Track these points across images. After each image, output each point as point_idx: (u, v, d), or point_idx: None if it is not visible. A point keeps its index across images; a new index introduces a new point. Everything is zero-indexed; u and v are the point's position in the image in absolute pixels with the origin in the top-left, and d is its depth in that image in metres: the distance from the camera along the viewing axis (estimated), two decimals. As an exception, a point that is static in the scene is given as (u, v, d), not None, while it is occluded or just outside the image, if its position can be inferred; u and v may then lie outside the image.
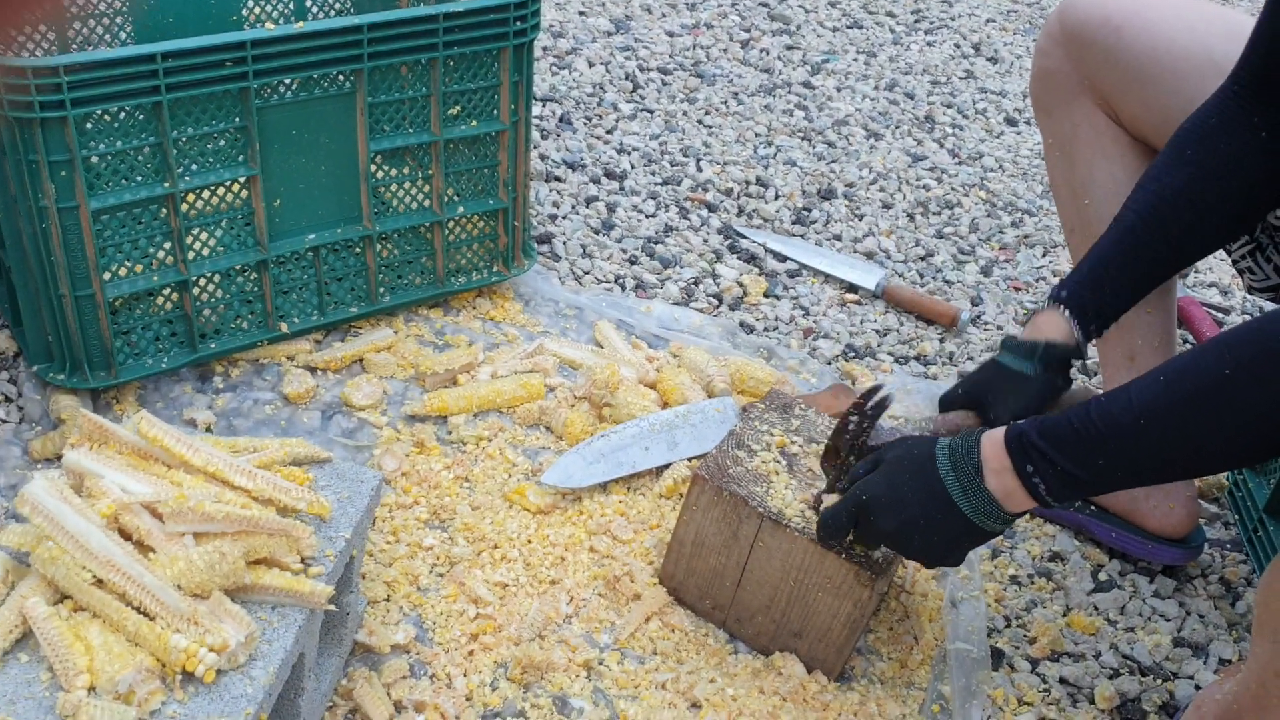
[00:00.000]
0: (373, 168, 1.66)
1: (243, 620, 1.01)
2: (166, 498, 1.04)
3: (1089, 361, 2.01)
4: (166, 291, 1.57)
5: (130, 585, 0.99)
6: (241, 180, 1.55)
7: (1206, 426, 1.01)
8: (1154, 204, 1.26)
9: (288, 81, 1.55)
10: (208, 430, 1.56)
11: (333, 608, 1.11)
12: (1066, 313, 1.28)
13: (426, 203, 1.74)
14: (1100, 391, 1.24)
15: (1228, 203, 1.25)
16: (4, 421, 1.52)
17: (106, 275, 1.49)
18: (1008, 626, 1.53)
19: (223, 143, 1.52)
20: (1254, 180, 1.24)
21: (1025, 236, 2.39)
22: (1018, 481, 1.10)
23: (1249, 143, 1.23)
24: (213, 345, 1.62)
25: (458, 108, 1.70)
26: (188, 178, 1.50)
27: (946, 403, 1.37)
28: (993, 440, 1.12)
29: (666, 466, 1.62)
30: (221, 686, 0.99)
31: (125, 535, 1.04)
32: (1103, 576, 1.61)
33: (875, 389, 1.28)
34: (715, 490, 1.36)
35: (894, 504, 1.17)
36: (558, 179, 2.28)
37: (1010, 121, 2.87)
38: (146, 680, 0.95)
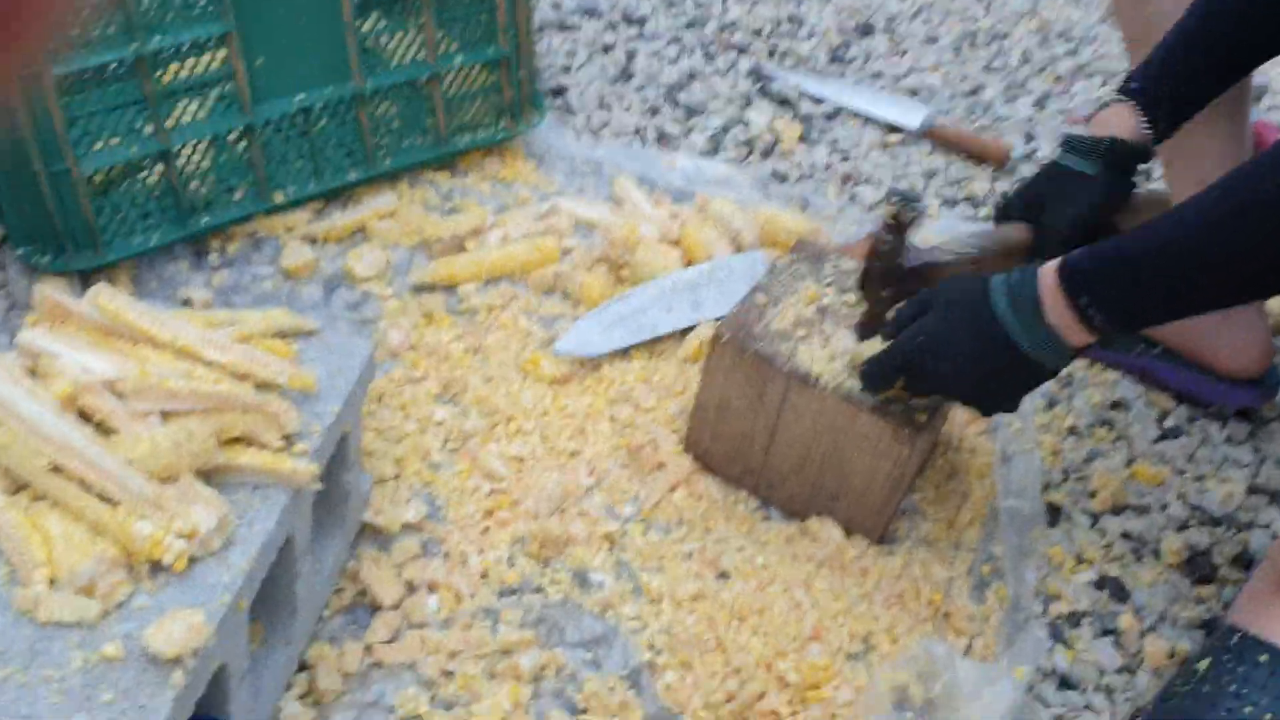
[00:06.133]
0: (358, 21, 1.53)
1: (215, 503, 0.93)
2: (128, 375, 0.96)
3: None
4: (151, 164, 1.47)
5: (89, 469, 0.91)
6: (217, 37, 1.43)
7: (1264, 237, 0.90)
8: None
9: (258, -75, 1.42)
10: (186, 304, 1.47)
11: (319, 486, 1.03)
12: (1137, 107, 1.17)
13: (420, 54, 1.61)
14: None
15: None
16: (-9, 309, 1.45)
17: (82, 149, 1.39)
18: (1064, 481, 1.42)
19: (193, -3, 1.40)
20: None
21: (1082, 66, 2.20)
22: (1074, 314, 1.00)
23: None
24: (205, 219, 1.53)
25: (448, -53, 1.55)
26: (157, 37, 1.39)
27: (1001, 212, 1.25)
28: (1048, 272, 1.03)
29: (691, 328, 1.51)
30: (194, 575, 0.91)
31: (86, 417, 0.96)
32: (1169, 423, 1.49)
33: (906, 199, 1.16)
34: (737, 350, 1.25)
35: (948, 345, 1.07)
36: (571, 27, 2.12)
37: (1066, -58, 2.63)
38: (110, 571, 0.88)
